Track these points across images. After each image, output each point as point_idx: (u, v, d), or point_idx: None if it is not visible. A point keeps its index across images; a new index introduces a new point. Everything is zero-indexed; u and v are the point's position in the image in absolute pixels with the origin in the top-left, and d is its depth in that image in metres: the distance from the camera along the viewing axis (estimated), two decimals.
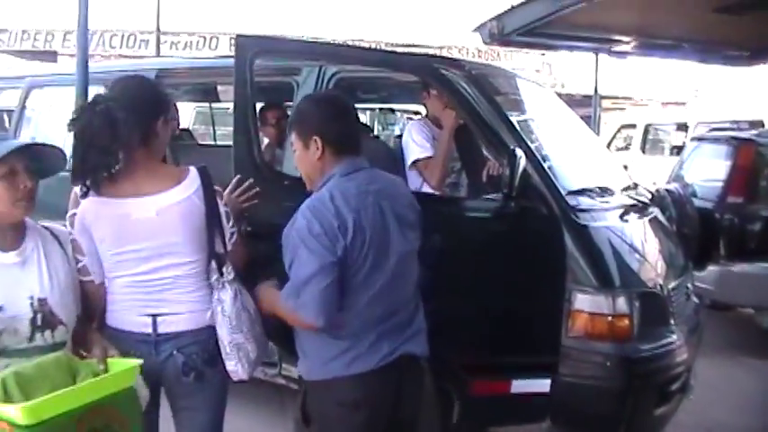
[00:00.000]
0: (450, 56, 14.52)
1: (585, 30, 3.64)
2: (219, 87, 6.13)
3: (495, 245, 3.40)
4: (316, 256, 2.37)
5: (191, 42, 18.79)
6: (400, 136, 5.33)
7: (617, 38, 3.73)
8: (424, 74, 3.66)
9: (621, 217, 3.75)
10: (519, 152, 3.11)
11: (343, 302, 2.44)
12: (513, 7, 3.34)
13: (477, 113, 3.41)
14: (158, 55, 8.61)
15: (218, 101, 6.75)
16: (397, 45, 18.08)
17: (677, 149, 13.23)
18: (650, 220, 4.07)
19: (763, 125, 10.35)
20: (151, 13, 14.64)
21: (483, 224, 3.43)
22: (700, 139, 8.22)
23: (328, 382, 2.52)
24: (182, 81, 5.23)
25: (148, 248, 2.45)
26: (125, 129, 2.38)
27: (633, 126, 14.20)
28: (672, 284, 3.77)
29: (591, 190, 3.67)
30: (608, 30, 3.70)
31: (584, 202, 3.52)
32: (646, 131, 13.97)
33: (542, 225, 3.31)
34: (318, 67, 3.84)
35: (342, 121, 2.60)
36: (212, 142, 8.27)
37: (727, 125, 8.62)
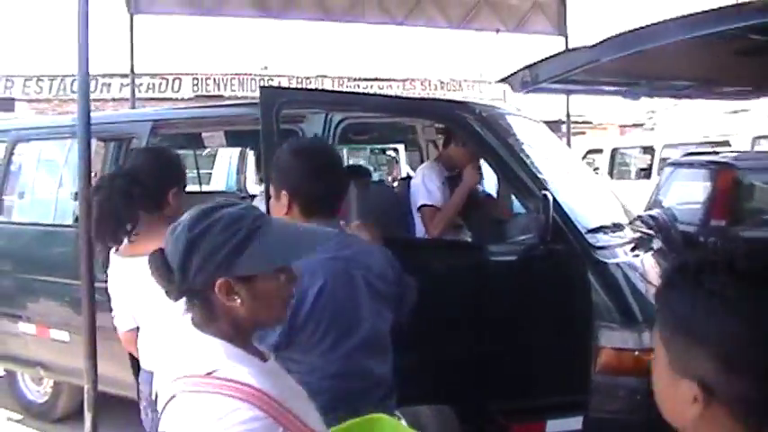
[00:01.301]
0: (450, 97, 14.63)
1: (610, 75, 3.75)
2: (204, 134, 6.15)
3: (528, 288, 3.46)
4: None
5: (153, 84, 18.75)
6: (408, 177, 5.37)
7: (636, 81, 3.85)
8: (451, 122, 3.68)
9: (633, 251, 3.83)
10: (549, 197, 3.18)
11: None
12: (546, 58, 3.45)
13: (503, 160, 3.48)
14: (133, 97, 8.54)
15: (204, 147, 6.77)
16: (361, 79, 18.22)
17: (644, 173, 13.55)
18: (656, 252, 4.17)
19: (729, 145, 10.66)
20: (109, 56, 14.80)
21: (516, 268, 3.48)
22: (676, 163, 8.46)
23: None
24: (176, 131, 5.25)
25: None
26: (140, 202, 2.66)
27: (600, 151, 14.47)
28: None
29: (606, 227, 3.76)
30: (630, 75, 3.82)
31: (601, 239, 3.60)
32: (612, 156, 14.25)
33: (568, 265, 3.38)
34: (325, 113, 3.89)
35: (317, 181, 2.33)
36: (198, 188, 8.27)
37: (701, 149, 8.87)
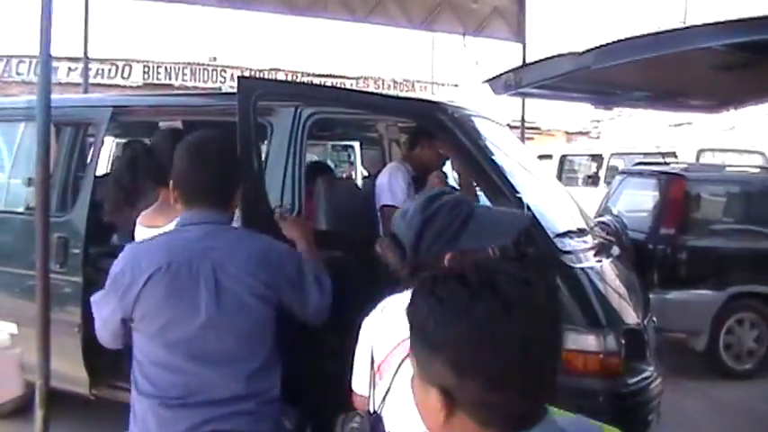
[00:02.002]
0: (398, 91, 14.70)
1: (588, 83, 3.80)
2: (161, 124, 6.03)
3: None
4: (108, 299, 2.34)
5: (102, 70, 18.32)
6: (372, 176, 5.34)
7: (613, 90, 3.92)
8: (430, 122, 3.66)
9: (595, 256, 3.89)
10: (524, 201, 3.21)
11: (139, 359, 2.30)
12: (533, 62, 3.47)
13: (477, 162, 3.49)
14: (86, 82, 8.31)
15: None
16: (315, 75, 18.14)
17: (591, 180, 13.82)
18: (617, 257, 4.25)
19: (675, 156, 10.93)
20: (55, 38, 14.27)
21: None
22: (627, 172, 8.63)
23: None
24: (136, 119, 5.12)
25: None
26: (152, 175, 2.75)
27: (549, 157, 14.69)
28: (644, 318, 3.95)
29: (572, 231, 3.81)
30: (608, 84, 3.88)
31: (568, 243, 3.65)
32: (561, 162, 14.48)
33: (538, 269, 3.39)
34: (294, 107, 3.84)
35: (195, 170, 2.38)
36: None
37: (651, 159, 9.09)
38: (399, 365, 1.77)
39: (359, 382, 2.02)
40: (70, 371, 4.22)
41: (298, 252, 2.68)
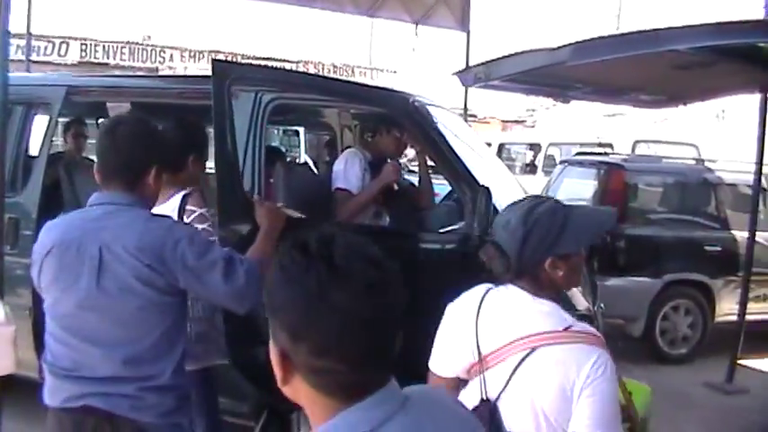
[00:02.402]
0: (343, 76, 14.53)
1: (553, 78, 3.90)
2: (109, 104, 5.91)
3: (462, 278, 3.54)
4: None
5: (37, 47, 17.66)
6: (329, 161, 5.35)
7: (576, 85, 4.02)
8: (396, 110, 3.68)
9: None
10: (490, 189, 3.29)
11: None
12: (505, 56, 3.53)
13: (441, 150, 3.55)
14: (29, 59, 8.03)
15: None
16: (255, 57, 17.92)
17: (529, 168, 14.11)
18: None
19: (612, 147, 11.25)
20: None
21: (449, 258, 3.56)
22: (568, 161, 8.86)
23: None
24: (91, 99, 5.02)
25: None
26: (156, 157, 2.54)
27: (488, 145, 14.90)
28: (593, 305, 4.10)
29: None
30: (572, 80, 3.98)
31: None
32: (499, 150, 14.71)
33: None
34: (255, 92, 3.85)
35: (105, 151, 2.44)
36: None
37: (590, 149, 9.34)
38: (520, 363, 1.92)
39: (442, 365, 2.15)
40: (21, 354, 4.13)
41: (202, 236, 2.57)
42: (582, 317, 3.75)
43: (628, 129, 13.59)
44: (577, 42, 2.90)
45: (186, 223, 2.80)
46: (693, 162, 7.90)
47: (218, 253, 2.43)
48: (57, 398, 2.31)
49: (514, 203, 2.12)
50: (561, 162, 9.35)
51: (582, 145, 12.35)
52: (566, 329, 1.94)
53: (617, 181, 7.26)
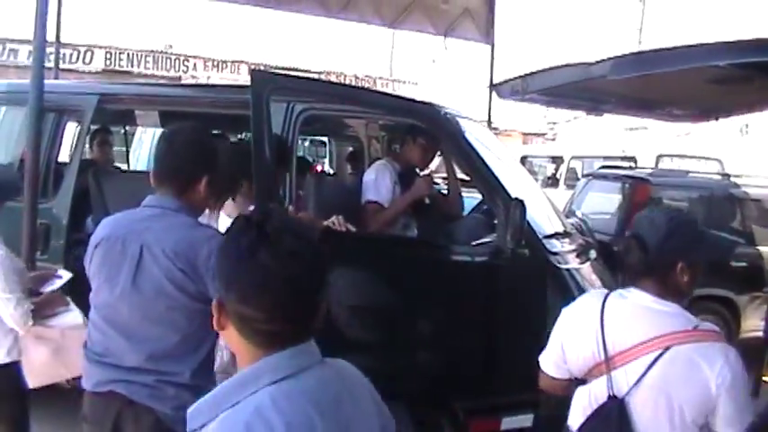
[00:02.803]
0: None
1: (590, 93, 3.91)
2: (137, 112, 5.97)
3: (491, 290, 3.56)
4: None
5: (63, 54, 17.74)
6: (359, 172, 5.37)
7: (610, 99, 4.03)
8: (430, 123, 3.69)
9: (577, 257, 4.00)
10: (523, 202, 3.29)
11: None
12: (541, 70, 3.55)
13: (474, 162, 3.56)
14: (57, 67, 8.10)
15: (136, 125, 6.57)
16: (278, 67, 18.01)
17: (551, 181, 14.06)
18: (594, 261, 4.37)
19: (635, 161, 11.20)
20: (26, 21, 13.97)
21: (480, 270, 3.56)
22: (592, 175, 8.82)
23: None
24: (122, 107, 5.08)
25: None
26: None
27: None
28: None
29: (559, 233, 3.91)
30: (607, 93, 3.99)
31: (555, 245, 3.75)
32: (522, 163, 14.65)
33: (529, 269, 3.50)
34: (287, 102, 3.88)
35: (161, 156, 2.58)
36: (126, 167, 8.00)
37: (614, 163, 9.28)
38: (654, 361, 2.11)
39: (558, 367, 2.43)
40: None
41: None
42: None
43: (650, 143, 13.51)
44: (616, 57, 2.91)
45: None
46: (719, 176, 7.83)
47: None
48: (89, 382, 2.48)
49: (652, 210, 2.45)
50: (585, 175, 9.31)
51: (605, 158, 12.30)
52: (695, 329, 2.14)
53: (642, 195, 7.23)
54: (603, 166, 9.22)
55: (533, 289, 3.53)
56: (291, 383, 1.36)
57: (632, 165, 7.87)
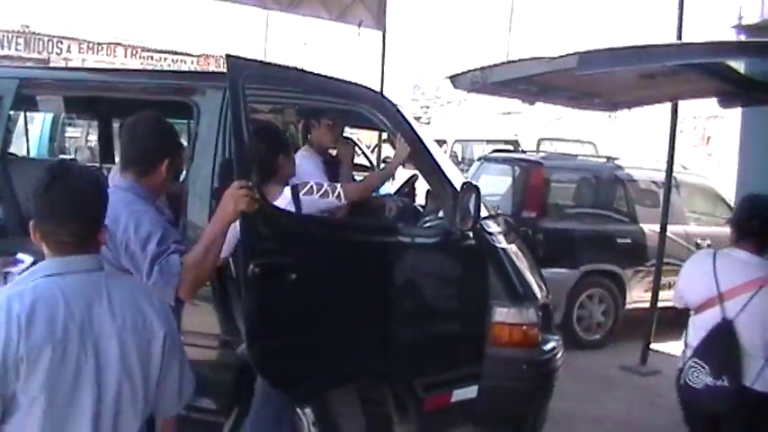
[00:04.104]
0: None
1: (542, 86, 4.11)
2: (38, 98, 5.74)
3: (446, 271, 3.73)
4: None
5: None
6: None
7: (551, 91, 4.25)
8: (380, 108, 3.75)
9: (505, 238, 4.25)
10: (477, 187, 3.48)
11: None
12: (502, 62, 3.71)
13: (421, 149, 3.72)
14: None
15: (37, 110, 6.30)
16: (156, 51, 17.49)
17: None
18: (519, 239, 4.64)
19: (518, 144, 11.73)
20: None
21: (430, 251, 3.72)
22: (484, 159, 9.20)
23: None
24: (43, 93, 4.88)
25: None
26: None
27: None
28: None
29: (492, 215, 4.14)
30: (557, 87, 4.20)
31: (489, 226, 3.97)
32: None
33: (474, 249, 3.70)
34: (224, 89, 3.88)
35: (123, 144, 3.11)
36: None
37: (493, 146, 9.66)
38: (753, 295, 3.29)
39: (681, 301, 3.68)
40: None
41: (147, 232, 2.69)
42: (544, 306, 4.05)
43: (526, 127, 14.13)
44: (584, 52, 3.13)
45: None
46: (605, 160, 8.38)
47: (158, 247, 2.63)
48: None
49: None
50: (479, 159, 9.69)
51: (488, 142, 12.82)
52: None
53: (537, 177, 7.64)
54: (495, 150, 9.63)
55: (478, 268, 3.73)
56: (57, 279, 1.89)
57: (517, 148, 8.25)
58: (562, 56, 3.21)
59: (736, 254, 3.43)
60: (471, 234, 3.65)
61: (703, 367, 3.35)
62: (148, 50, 17.35)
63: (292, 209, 3.45)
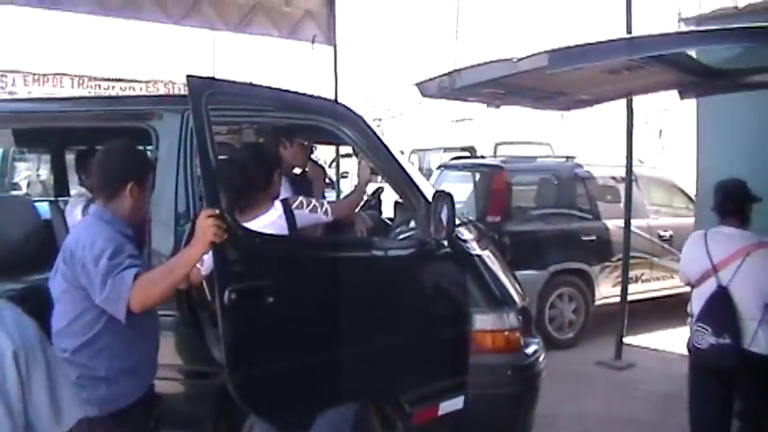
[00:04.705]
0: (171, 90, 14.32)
1: (497, 87, 4.09)
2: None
3: (425, 281, 3.68)
4: None
5: None
6: None
7: (512, 91, 4.22)
8: (344, 121, 3.65)
9: (478, 243, 4.22)
10: (451, 195, 3.43)
11: None
12: (468, 66, 3.66)
13: (389, 160, 3.66)
14: None
15: None
16: (103, 79, 17.18)
17: None
18: (490, 246, 4.62)
19: (474, 150, 11.76)
20: None
21: (414, 264, 3.66)
22: (444, 166, 9.21)
23: None
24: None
25: None
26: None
27: (349, 155, 15.10)
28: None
29: (464, 222, 4.10)
30: (520, 88, 4.18)
31: (462, 233, 3.93)
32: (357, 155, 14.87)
33: (450, 258, 3.65)
34: (182, 113, 3.80)
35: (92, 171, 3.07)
36: None
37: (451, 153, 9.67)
38: (742, 262, 3.84)
39: (684, 277, 4.26)
40: None
41: (100, 248, 2.72)
42: (523, 309, 4.02)
43: (480, 132, 14.17)
44: (552, 51, 3.11)
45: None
46: (564, 159, 8.43)
47: (109, 264, 2.66)
48: None
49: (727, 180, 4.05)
50: (438, 167, 9.68)
51: (445, 150, 12.83)
52: (760, 242, 3.88)
53: (499, 181, 7.65)
54: (455, 158, 9.65)
55: (456, 277, 3.68)
56: None
57: (473, 154, 8.27)
58: (531, 55, 3.20)
59: (723, 230, 4.00)
60: (446, 243, 3.60)
61: (706, 329, 3.86)
62: (95, 79, 17.02)
63: (284, 223, 3.49)
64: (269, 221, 3.45)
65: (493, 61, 3.49)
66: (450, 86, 3.71)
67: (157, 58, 19.52)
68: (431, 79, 3.83)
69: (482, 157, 8.36)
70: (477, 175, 8.09)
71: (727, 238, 3.95)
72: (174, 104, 4.06)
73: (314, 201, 3.71)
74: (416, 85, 4.04)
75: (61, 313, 2.78)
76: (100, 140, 5.36)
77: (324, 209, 3.70)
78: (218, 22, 9.06)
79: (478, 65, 3.57)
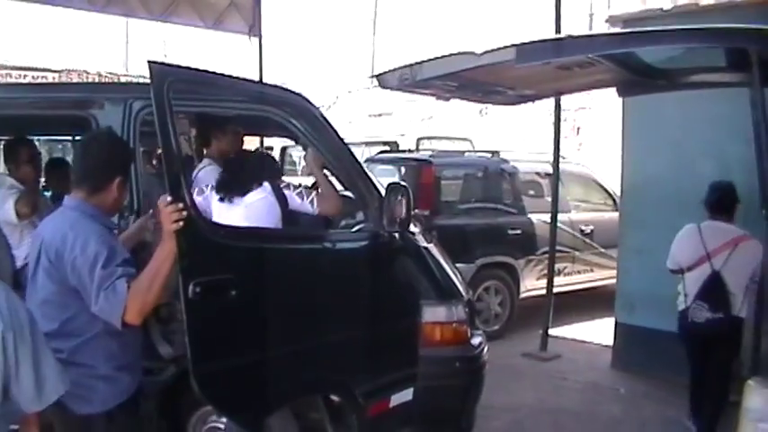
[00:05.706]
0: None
1: (460, 81, 4.10)
2: None
3: (378, 273, 3.68)
4: None
5: None
6: None
7: (466, 85, 4.24)
8: (299, 111, 3.59)
9: (424, 236, 4.26)
10: (408, 188, 3.45)
11: None
12: (431, 59, 3.65)
13: (343, 152, 3.65)
14: None
15: None
16: (15, 68, 16.45)
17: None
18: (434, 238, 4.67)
19: (398, 145, 11.85)
20: None
21: (369, 256, 3.66)
22: (371, 160, 9.21)
23: None
24: None
25: None
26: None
27: (270, 148, 14.96)
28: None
29: (413, 215, 4.12)
30: (473, 82, 4.20)
31: (412, 227, 3.96)
32: (283, 154, 14.79)
33: (401, 250, 3.68)
34: (124, 101, 3.71)
35: (74, 161, 2.99)
36: None
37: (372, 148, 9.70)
38: (732, 251, 4.58)
39: (676, 264, 4.90)
40: None
41: (94, 252, 2.62)
42: (468, 302, 4.08)
43: (399, 127, 14.29)
44: (520, 45, 3.15)
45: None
46: (490, 155, 8.57)
47: (105, 271, 2.57)
48: None
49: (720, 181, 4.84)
50: (366, 160, 9.70)
51: (367, 144, 12.87)
52: (745, 235, 4.57)
53: (427, 176, 7.72)
54: (382, 152, 9.68)
55: (407, 268, 3.72)
56: None
57: (394, 148, 8.30)
58: (496, 49, 3.25)
59: (715, 224, 4.74)
60: (397, 235, 3.63)
61: (703, 306, 4.68)
62: (5, 67, 16.20)
63: (275, 200, 3.68)
64: (258, 198, 3.61)
65: (456, 54, 3.52)
66: (412, 78, 3.73)
67: (69, 46, 18.85)
68: (392, 71, 3.84)
69: (409, 151, 8.42)
70: (404, 170, 8.13)
71: (721, 231, 4.68)
72: (117, 93, 3.96)
73: (301, 187, 3.82)
74: (375, 76, 4.04)
75: (50, 315, 2.64)
76: (33, 130, 5.17)
77: (309, 198, 3.76)
78: (141, 11, 8.86)
79: (441, 57, 3.60)
